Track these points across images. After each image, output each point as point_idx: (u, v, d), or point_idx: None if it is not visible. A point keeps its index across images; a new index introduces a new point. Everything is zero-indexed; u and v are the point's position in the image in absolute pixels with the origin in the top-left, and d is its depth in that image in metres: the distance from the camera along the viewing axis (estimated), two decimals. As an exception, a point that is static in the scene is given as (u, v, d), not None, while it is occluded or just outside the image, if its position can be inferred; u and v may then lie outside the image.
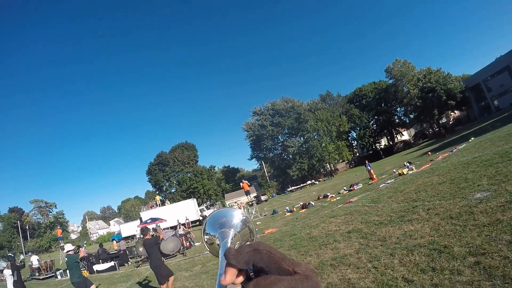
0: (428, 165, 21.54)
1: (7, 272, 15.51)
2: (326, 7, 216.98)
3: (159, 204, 57.24)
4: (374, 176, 27.29)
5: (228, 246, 0.74)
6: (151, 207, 56.75)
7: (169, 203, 59.63)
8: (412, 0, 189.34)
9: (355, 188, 25.51)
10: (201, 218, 50.37)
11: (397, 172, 24.10)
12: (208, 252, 0.87)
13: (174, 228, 33.68)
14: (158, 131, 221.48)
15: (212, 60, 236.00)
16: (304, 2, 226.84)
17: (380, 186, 20.66)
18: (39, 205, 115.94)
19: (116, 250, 22.31)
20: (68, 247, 12.46)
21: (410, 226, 8.91)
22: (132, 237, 49.05)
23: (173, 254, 20.71)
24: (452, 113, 77.86)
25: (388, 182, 21.05)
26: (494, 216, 7.07)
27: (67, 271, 12.55)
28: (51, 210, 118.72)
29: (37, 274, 23.72)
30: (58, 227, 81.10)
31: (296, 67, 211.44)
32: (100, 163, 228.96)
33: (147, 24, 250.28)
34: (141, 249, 21.77)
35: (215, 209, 42.90)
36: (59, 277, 22.94)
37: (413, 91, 71.31)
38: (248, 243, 0.76)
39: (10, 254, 13.65)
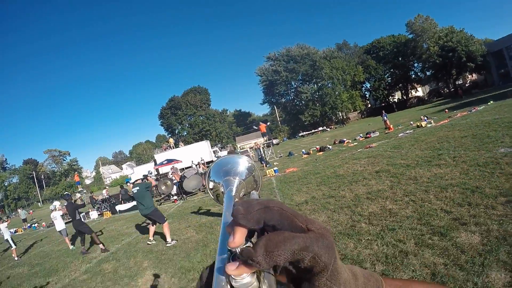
0: (447, 121, 22.13)
1: (57, 214, 15.24)
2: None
3: (172, 146, 57.95)
4: (391, 126, 27.88)
5: (233, 194, 0.75)
6: (165, 149, 57.26)
7: (183, 145, 60.30)
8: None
9: (372, 136, 26.12)
10: (215, 159, 51.09)
11: (414, 124, 24.63)
12: (212, 198, 0.86)
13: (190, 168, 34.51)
14: (170, 75, 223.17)
15: (227, 1, 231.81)
16: None
17: (399, 135, 21.40)
18: (53, 154, 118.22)
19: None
20: (135, 177, 13.19)
21: (439, 170, 9.79)
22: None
23: (195, 192, 21.75)
24: (469, 76, 77.16)
25: (407, 132, 21.65)
26: (520, 167, 7.94)
27: (137, 203, 11.68)
28: (65, 158, 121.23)
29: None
30: (75, 173, 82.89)
31: (313, 14, 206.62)
32: (111, 109, 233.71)
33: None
34: (163, 187, 22.92)
35: (228, 150, 43.19)
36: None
37: (433, 48, 70.06)
38: (254, 193, 0.81)
39: (66, 193, 12.68)
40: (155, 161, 50.56)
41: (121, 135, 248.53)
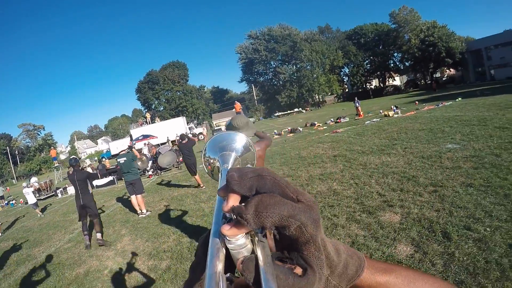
0: (413, 113, 22.93)
1: (29, 190, 15.71)
2: None
3: (149, 122, 57.29)
4: (361, 113, 28.72)
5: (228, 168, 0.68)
6: (141, 125, 56.29)
7: (159, 120, 59.70)
8: None
9: (342, 121, 26.96)
10: (190, 135, 51.25)
11: (383, 113, 25.49)
12: (207, 174, 0.84)
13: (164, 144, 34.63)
14: (149, 49, 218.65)
15: None
16: None
17: (366, 123, 22.33)
18: (27, 128, 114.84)
19: (113, 166, 23.11)
20: (121, 147, 12.98)
21: (388, 158, 10.76)
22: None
23: (169, 167, 22.20)
24: (447, 70, 78.35)
25: (374, 120, 22.65)
26: (457, 163, 8.72)
27: (123, 172, 11.69)
28: (39, 133, 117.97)
29: (37, 195, 23.14)
30: (51, 148, 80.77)
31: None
32: (86, 81, 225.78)
33: None
34: (139, 163, 23.20)
35: (203, 128, 43.35)
36: (59, 195, 23.90)
37: (414, 40, 71.03)
38: (249, 165, 0.78)
39: (73, 156, 10.93)
40: (131, 136, 50.18)
41: (97, 108, 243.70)
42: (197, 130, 53.86)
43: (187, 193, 13.05)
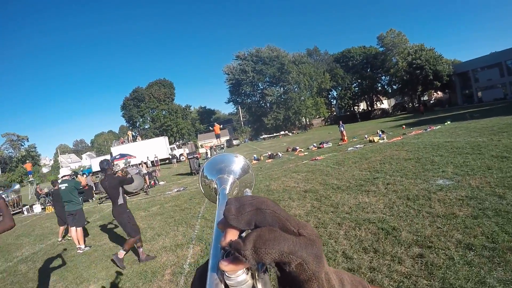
0: (399, 138, 21.61)
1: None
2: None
3: (130, 140, 56.81)
4: (345, 138, 27.51)
5: (227, 193, 0.70)
6: (122, 143, 56.44)
7: (140, 139, 59.15)
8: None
9: (324, 146, 25.83)
10: (170, 156, 49.97)
11: (368, 139, 24.16)
12: (203, 196, 0.80)
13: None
14: (136, 65, 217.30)
15: None
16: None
17: (349, 149, 20.84)
18: (11, 138, 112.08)
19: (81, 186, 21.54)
20: (64, 171, 11.72)
21: (365, 198, 8.79)
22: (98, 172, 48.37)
23: (135, 192, 20.81)
24: (435, 93, 78.18)
25: (357, 146, 21.19)
26: (451, 208, 6.85)
27: (64, 201, 10.50)
28: (23, 144, 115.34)
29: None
30: (28, 161, 79.37)
31: (288, 17, 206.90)
32: (75, 95, 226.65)
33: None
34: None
35: (186, 149, 42.48)
36: (25, 213, 22.92)
37: (401, 63, 70.84)
38: (248, 191, 0.77)
39: (105, 158, 9.89)
40: (111, 154, 49.28)
41: (85, 122, 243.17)
42: (178, 151, 52.66)
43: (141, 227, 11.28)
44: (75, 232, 10.11)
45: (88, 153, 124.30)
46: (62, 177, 11.70)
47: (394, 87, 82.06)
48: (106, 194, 21.44)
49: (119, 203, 7.99)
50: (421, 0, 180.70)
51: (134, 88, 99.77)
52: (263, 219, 0.45)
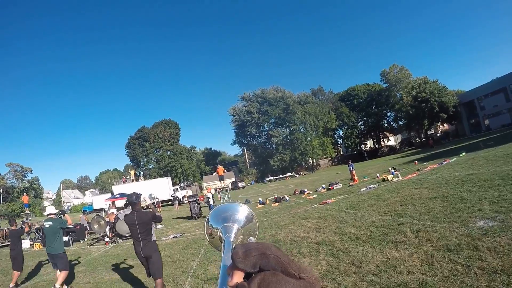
0: (415, 174, 20.00)
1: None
2: (327, 2, 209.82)
3: (133, 179, 56.05)
4: (356, 178, 26.08)
5: (231, 240, 0.76)
6: (124, 182, 55.90)
7: (143, 179, 58.41)
8: (417, 7, 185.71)
9: (334, 188, 24.39)
10: (172, 198, 48.75)
11: (380, 177, 22.51)
12: (207, 243, 0.89)
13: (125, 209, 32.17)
14: (143, 105, 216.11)
15: (204, 39, 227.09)
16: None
17: (361, 190, 19.07)
18: (15, 169, 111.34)
19: (71, 225, 20.53)
20: (50, 209, 10.39)
21: (394, 252, 7.04)
22: (100, 210, 47.32)
23: (129, 235, 19.04)
24: (441, 126, 77.28)
25: (370, 187, 19.45)
26: (508, 258, 5.28)
27: (46, 240, 10.13)
28: (26, 175, 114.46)
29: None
30: (24, 194, 78.93)
31: (291, 58, 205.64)
32: (82, 131, 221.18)
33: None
34: (96, 226, 20.74)
35: (190, 191, 41.73)
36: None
37: (406, 98, 70.13)
38: (252, 239, 0.82)
39: (134, 192, 7.89)
40: (112, 192, 48.76)
41: (90, 159, 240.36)
42: (181, 193, 51.44)
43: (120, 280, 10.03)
44: (58, 272, 9.53)
45: (91, 190, 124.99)
46: (48, 215, 10.27)
47: (400, 122, 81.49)
48: (97, 236, 20.09)
49: (152, 239, 7.49)
50: (420, 33, 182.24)
51: (139, 127, 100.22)
52: (267, 263, 0.50)
